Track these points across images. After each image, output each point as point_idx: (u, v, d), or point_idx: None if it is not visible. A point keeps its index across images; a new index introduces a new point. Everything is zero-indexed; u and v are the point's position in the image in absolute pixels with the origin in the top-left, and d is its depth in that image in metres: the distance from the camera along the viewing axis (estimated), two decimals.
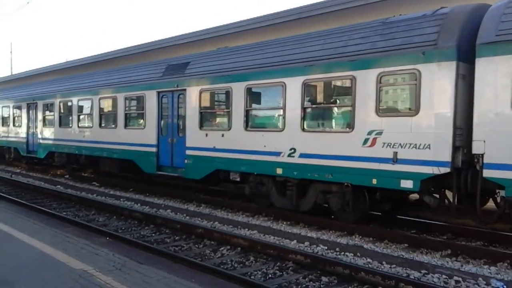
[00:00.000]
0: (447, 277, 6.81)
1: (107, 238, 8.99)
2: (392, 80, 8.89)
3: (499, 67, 7.41)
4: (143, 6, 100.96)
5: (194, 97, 12.70)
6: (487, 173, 7.61)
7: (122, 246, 8.28)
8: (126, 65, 18.85)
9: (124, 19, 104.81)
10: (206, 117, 12.75)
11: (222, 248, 8.56)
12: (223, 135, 11.85)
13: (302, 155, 10.03)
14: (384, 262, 7.54)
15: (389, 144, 8.59)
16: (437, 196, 8.76)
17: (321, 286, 6.68)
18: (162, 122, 14.00)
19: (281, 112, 10.55)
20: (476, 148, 7.69)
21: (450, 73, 7.89)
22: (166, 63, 14.40)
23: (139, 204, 13.05)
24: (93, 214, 11.91)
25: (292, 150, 10.19)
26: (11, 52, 60.71)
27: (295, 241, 8.95)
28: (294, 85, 10.15)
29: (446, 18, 8.25)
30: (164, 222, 10.47)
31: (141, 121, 14.71)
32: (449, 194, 8.54)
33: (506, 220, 8.38)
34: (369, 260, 7.72)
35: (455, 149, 7.94)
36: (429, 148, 8.08)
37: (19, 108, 22.48)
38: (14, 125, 23.08)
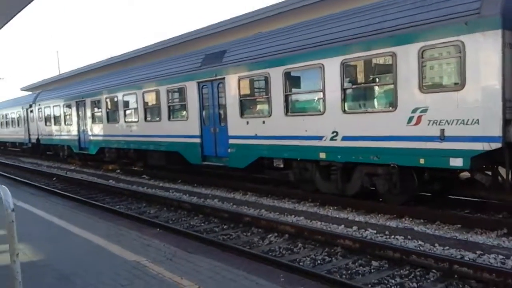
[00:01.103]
0: (504, 257, 6.55)
1: (158, 229, 9.25)
2: (435, 54, 8.50)
3: None
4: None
5: (233, 85, 12.73)
6: None
7: (172, 237, 8.51)
8: (166, 58, 19.12)
9: (160, 13, 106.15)
10: (246, 105, 12.76)
11: (270, 235, 8.60)
12: (264, 122, 11.82)
13: (344, 138, 9.86)
14: (436, 244, 7.34)
15: (435, 122, 8.27)
16: (489, 173, 8.39)
17: (371, 270, 6.58)
18: (204, 112, 14.14)
19: (320, 95, 10.38)
20: None
21: (496, 43, 7.45)
22: (204, 53, 14.48)
23: (187, 195, 13.31)
24: (145, 207, 12.26)
25: (334, 133, 10.03)
26: (57, 52, 62.77)
27: (342, 226, 8.86)
28: (332, 66, 9.94)
29: None
30: (212, 211, 10.64)
31: (184, 112, 14.93)
32: (502, 170, 8.15)
33: None
34: (420, 242, 7.53)
35: (505, 122, 7.54)
36: (478, 123, 7.72)
37: (69, 106, 23.32)
38: (65, 123, 23.99)
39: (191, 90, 14.32)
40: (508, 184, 7.95)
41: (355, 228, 8.66)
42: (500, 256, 6.60)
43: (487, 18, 7.54)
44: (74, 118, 22.69)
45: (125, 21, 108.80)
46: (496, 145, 7.59)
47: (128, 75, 18.68)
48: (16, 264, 4.16)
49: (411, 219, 9.10)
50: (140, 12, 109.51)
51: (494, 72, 7.53)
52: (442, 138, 8.18)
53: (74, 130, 22.83)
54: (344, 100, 9.84)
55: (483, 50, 7.61)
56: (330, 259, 7.17)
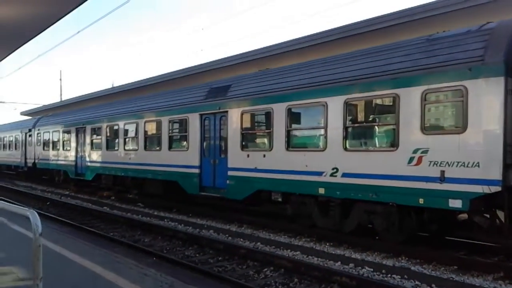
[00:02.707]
0: None
1: (154, 258, 9.15)
2: (438, 97, 8.71)
3: None
4: (184, 32, 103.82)
5: (235, 118, 12.90)
6: None
7: (169, 266, 8.42)
8: (169, 90, 19.41)
9: (165, 44, 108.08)
10: (247, 138, 12.89)
11: (266, 269, 8.52)
12: (264, 156, 11.92)
13: (345, 175, 9.93)
14: (433, 285, 7.31)
15: (436, 163, 8.39)
16: (488, 216, 8.44)
17: None
18: (205, 143, 14.25)
19: (322, 131, 10.53)
20: None
21: (498, 89, 7.68)
22: (209, 86, 14.74)
23: (182, 225, 13.24)
24: (139, 235, 12.15)
25: (335, 170, 10.11)
26: (60, 79, 63.46)
27: (339, 262, 8.81)
28: (335, 104, 10.14)
29: (492, 33, 8.08)
30: (208, 242, 10.56)
31: (185, 143, 15.04)
32: (500, 214, 8.20)
33: None
34: (417, 282, 7.50)
35: (506, 166, 7.66)
36: (478, 166, 7.83)
37: (69, 132, 23.46)
38: (63, 148, 24.05)
39: (193, 121, 14.48)
40: (506, 227, 7.99)
41: (351, 265, 8.61)
42: None
43: (490, 65, 7.79)
44: (73, 144, 22.79)
45: (129, 52, 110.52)
46: (496, 189, 7.68)
47: (131, 105, 18.92)
48: None
49: (407, 258, 9.07)
50: (142, 45, 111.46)
51: (496, 117, 7.71)
52: (443, 179, 8.28)
53: (71, 155, 22.87)
54: (345, 137, 9.98)
55: (486, 95, 7.82)
56: None
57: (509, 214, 7.89)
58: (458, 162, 8.08)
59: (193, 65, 25.21)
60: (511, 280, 7.61)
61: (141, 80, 29.90)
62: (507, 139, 7.67)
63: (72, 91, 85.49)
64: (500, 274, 7.86)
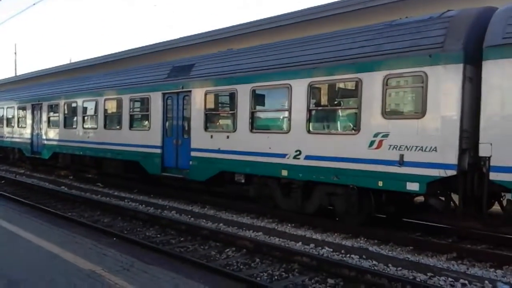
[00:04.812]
0: (453, 280, 6.82)
1: (114, 238, 9.02)
2: (399, 83, 8.90)
3: (506, 69, 7.43)
4: (145, 8, 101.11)
5: (199, 98, 12.74)
6: (493, 176, 7.62)
7: (129, 247, 8.32)
8: (131, 67, 18.92)
9: (127, 20, 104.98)
10: (211, 119, 12.78)
11: (228, 250, 8.59)
12: (228, 137, 11.87)
13: (307, 157, 10.04)
14: (390, 265, 7.55)
15: (395, 147, 8.60)
16: (443, 198, 8.77)
17: None
18: (167, 123, 14.03)
19: (286, 114, 10.57)
20: (482, 151, 7.70)
21: (457, 76, 7.90)
22: (171, 65, 14.45)
23: (143, 205, 13.09)
24: (98, 215, 11.94)
25: (298, 152, 10.20)
26: (15, 53, 60.74)
27: (300, 243, 8.97)
28: (300, 87, 10.17)
29: (453, 21, 8.27)
30: (169, 223, 10.51)
31: (146, 122, 14.75)
32: (455, 197, 8.55)
33: (511, 223, 8.37)
34: (374, 262, 7.73)
35: (461, 151, 7.95)
36: (436, 150, 8.09)
37: (24, 109, 22.56)
38: (18, 126, 23.15)
39: (155, 100, 14.20)
40: (460, 210, 8.33)
41: (312, 245, 8.78)
42: (450, 279, 6.87)
43: (450, 52, 7.99)
44: (28, 121, 21.96)
45: (88, 27, 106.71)
46: (452, 172, 7.97)
47: (90, 82, 18.34)
48: None
49: (366, 239, 9.35)
50: (105, 18, 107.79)
51: (454, 103, 7.95)
52: (401, 162, 8.51)
53: (27, 133, 22.05)
54: (309, 120, 10.05)
55: (445, 81, 8.04)
56: (287, 275, 7.23)
57: (463, 197, 8.22)
58: (417, 147, 8.32)
59: (154, 42, 24.66)
60: (463, 260, 7.99)
61: (101, 56, 29.02)
62: (463, 125, 7.95)
63: (28, 66, 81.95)
64: (453, 254, 8.23)
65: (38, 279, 5.51)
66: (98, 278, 5.56)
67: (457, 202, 8.41)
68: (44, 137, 20.60)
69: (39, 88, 22.91)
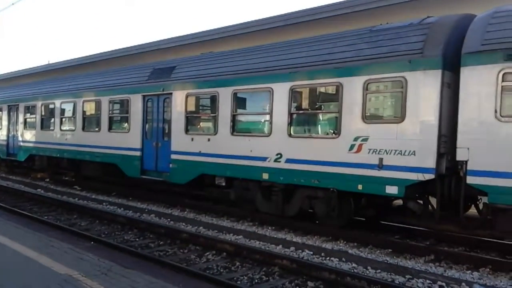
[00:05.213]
0: (431, 282, 6.90)
1: (92, 242, 8.87)
2: (379, 88, 9.02)
3: (483, 76, 7.59)
4: (128, 9, 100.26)
5: (180, 101, 12.66)
6: (470, 180, 7.75)
7: (107, 251, 8.19)
8: (110, 68, 18.70)
9: (107, 22, 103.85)
10: (192, 122, 12.72)
11: (208, 253, 8.51)
12: (209, 140, 11.82)
13: (288, 161, 10.07)
14: (369, 267, 7.60)
15: (375, 150, 8.69)
16: (421, 202, 8.89)
17: None
18: (147, 126, 13.91)
19: (267, 117, 10.59)
20: (460, 155, 7.84)
21: (436, 82, 8.04)
22: (152, 67, 14.34)
23: (122, 209, 12.91)
24: (75, 218, 11.73)
25: (279, 155, 10.22)
26: None
27: (280, 246, 8.96)
28: (281, 90, 10.20)
29: (432, 27, 8.42)
30: (148, 226, 10.38)
31: (126, 124, 14.59)
32: (432, 200, 8.67)
33: (487, 226, 8.54)
34: (354, 265, 7.77)
35: (439, 156, 8.08)
36: (414, 154, 8.20)
37: (0, 110, 22.07)
38: None
39: (135, 102, 14.07)
40: (437, 213, 8.46)
41: (292, 248, 8.79)
42: (428, 281, 6.95)
43: (429, 58, 8.13)
44: (4, 123, 21.53)
45: (67, 28, 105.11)
46: (430, 176, 8.09)
47: (68, 83, 18.06)
48: None
49: (345, 242, 9.41)
50: (85, 19, 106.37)
51: (432, 109, 8.08)
52: (381, 166, 8.60)
53: (2, 135, 21.59)
54: (290, 124, 10.09)
55: (424, 87, 8.16)
56: (267, 278, 7.21)
57: (440, 201, 8.35)
58: (396, 150, 8.42)
59: (134, 44, 24.44)
60: (440, 262, 8.11)
61: (80, 58, 28.58)
62: (441, 130, 8.08)
63: (5, 67, 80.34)
64: (431, 257, 8.34)
65: (13, 284, 5.38)
66: (75, 283, 5.46)
67: (434, 206, 8.54)
68: (20, 138, 20.20)
69: (16, 89, 22.47)
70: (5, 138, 21.37)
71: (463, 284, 6.81)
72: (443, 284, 6.81)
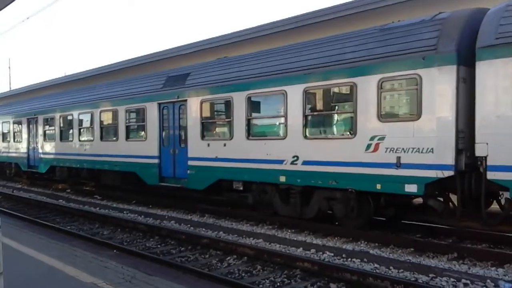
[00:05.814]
0: (455, 280, 6.82)
1: (114, 250, 8.98)
2: (393, 86, 8.95)
3: (499, 69, 7.49)
4: (141, 18, 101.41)
5: (195, 107, 12.76)
6: (490, 175, 7.65)
7: (130, 258, 8.29)
8: (126, 78, 18.94)
9: (121, 31, 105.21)
10: (207, 127, 12.80)
11: (229, 258, 8.55)
12: (225, 145, 11.88)
13: (305, 162, 10.06)
14: (391, 267, 7.55)
15: (392, 149, 8.64)
16: (441, 199, 8.80)
17: None
18: (164, 133, 14.05)
19: (282, 120, 10.61)
20: (479, 151, 7.74)
21: (451, 77, 7.97)
22: (166, 75, 14.48)
23: (142, 216, 13.05)
24: (97, 228, 11.89)
25: (295, 158, 10.22)
26: (9, 67, 60.69)
27: (301, 248, 8.96)
28: (295, 93, 10.21)
29: (445, 22, 8.35)
30: (169, 233, 10.46)
31: (143, 133, 14.76)
32: (453, 197, 8.57)
33: (510, 221, 8.40)
34: (376, 265, 7.72)
35: (458, 152, 7.99)
36: (432, 152, 8.13)
37: (19, 123, 22.52)
38: (14, 140, 23.11)
39: (151, 110, 14.22)
40: (458, 210, 8.36)
41: (313, 250, 8.77)
42: (452, 279, 6.87)
43: (443, 54, 8.05)
44: (24, 135, 21.93)
45: (82, 39, 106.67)
46: (449, 173, 8.01)
47: (85, 94, 18.34)
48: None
49: (366, 242, 9.34)
50: (98, 30, 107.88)
51: (449, 104, 8.01)
52: (398, 165, 8.54)
53: (23, 147, 22.01)
54: (305, 126, 10.09)
55: (439, 83, 8.09)
56: (289, 281, 7.20)
57: (461, 197, 8.25)
58: (413, 148, 8.35)
59: (149, 53, 24.71)
60: (464, 260, 8.00)
61: (96, 68, 29.04)
62: (459, 126, 7.99)
63: (22, 80, 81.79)
64: (454, 255, 8.24)
65: None
66: None
67: (455, 203, 8.44)
68: (40, 150, 20.56)
69: (35, 102, 22.89)
70: (25, 150, 21.77)
71: (488, 281, 6.71)
72: (468, 281, 6.73)
